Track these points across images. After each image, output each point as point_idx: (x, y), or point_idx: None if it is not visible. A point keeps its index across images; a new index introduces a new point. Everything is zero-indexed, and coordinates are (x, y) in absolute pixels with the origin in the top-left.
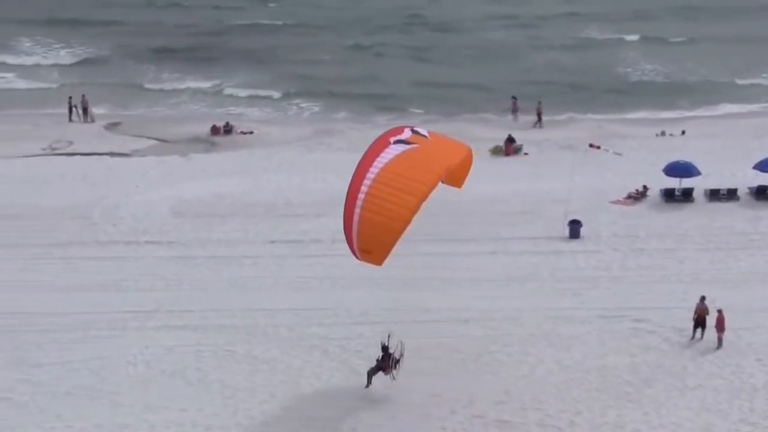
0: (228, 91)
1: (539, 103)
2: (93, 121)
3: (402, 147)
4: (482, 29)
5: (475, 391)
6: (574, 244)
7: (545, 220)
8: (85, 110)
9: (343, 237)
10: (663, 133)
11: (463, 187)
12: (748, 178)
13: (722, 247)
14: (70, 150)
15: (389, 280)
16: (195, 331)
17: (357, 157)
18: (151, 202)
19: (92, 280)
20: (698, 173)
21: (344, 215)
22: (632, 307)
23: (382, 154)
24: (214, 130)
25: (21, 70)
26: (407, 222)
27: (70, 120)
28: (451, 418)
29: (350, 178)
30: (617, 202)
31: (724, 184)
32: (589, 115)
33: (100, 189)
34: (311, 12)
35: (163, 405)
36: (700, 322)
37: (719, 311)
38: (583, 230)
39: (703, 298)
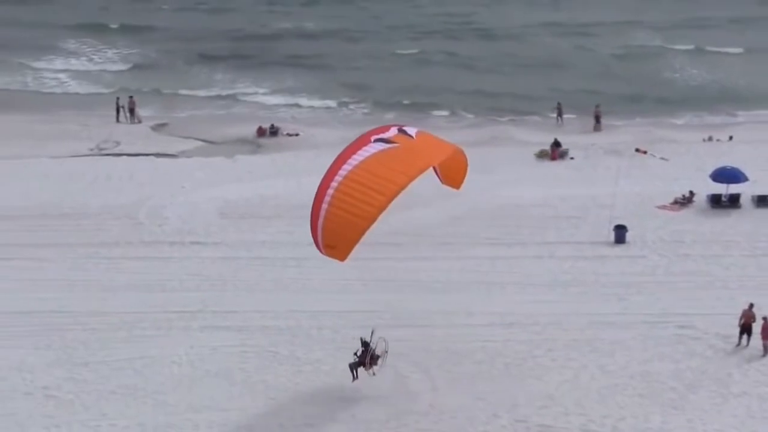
0: (274, 94)
1: (598, 107)
2: (140, 122)
3: (381, 146)
4: (530, 36)
5: (519, 395)
6: (619, 249)
7: (590, 225)
8: (132, 111)
9: (386, 240)
10: (710, 139)
11: (462, 187)
12: None
13: None
14: (117, 150)
15: (434, 283)
16: (239, 331)
17: None
18: (196, 202)
19: (138, 279)
20: (745, 179)
21: (312, 210)
22: (677, 313)
23: (359, 152)
24: (260, 132)
25: (73, 74)
26: (372, 220)
27: (118, 121)
28: (494, 422)
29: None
30: (663, 207)
31: None
32: (637, 120)
33: (147, 189)
34: (357, 17)
35: (206, 405)
36: (746, 328)
37: (765, 318)
38: (628, 235)
39: (751, 306)
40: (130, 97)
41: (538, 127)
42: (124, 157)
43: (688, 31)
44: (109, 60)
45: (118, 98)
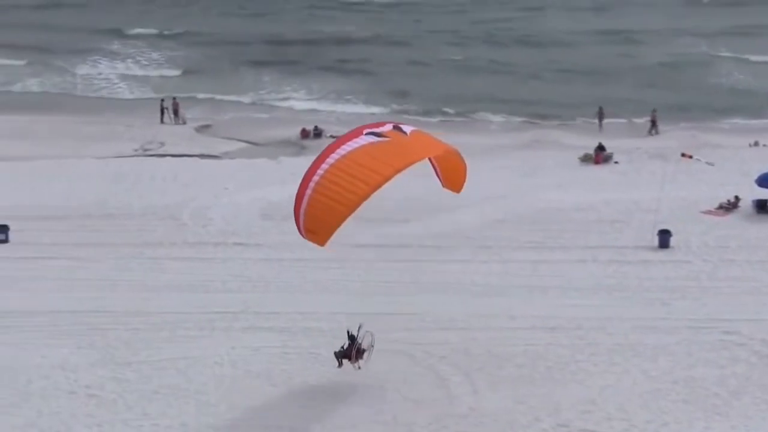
0: (317, 98)
1: (654, 111)
2: (184, 123)
3: (371, 138)
4: (574, 43)
5: (561, 399)
6: (663, 254)
7: (634, 229)
8: (176, 113)
9: (428, 242)
10: (756, 144)
11: (462, 191)
12: None
13: None
14: (161, 151)
15: (477, 286)
16: (281, 333)
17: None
18: (240, 204)
19: (181, 280)
20: None
21: (296, 195)
22: (722, 319)
23: (349, 143)
24: (304, 134)
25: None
26: (354, 207)
27: (162, 122)
28: (535, 426)
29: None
30: (708, 212)
31: None
32: (682, 125)
33: (190, 190)
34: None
35: (247, 405)
36: None
37: None
38: (672, 240)
39: None
40: (174, 98)
41: (582, 131)
42: (168, 158)
43: (733, 38)
44: (154, 62)
45: (162, 100)
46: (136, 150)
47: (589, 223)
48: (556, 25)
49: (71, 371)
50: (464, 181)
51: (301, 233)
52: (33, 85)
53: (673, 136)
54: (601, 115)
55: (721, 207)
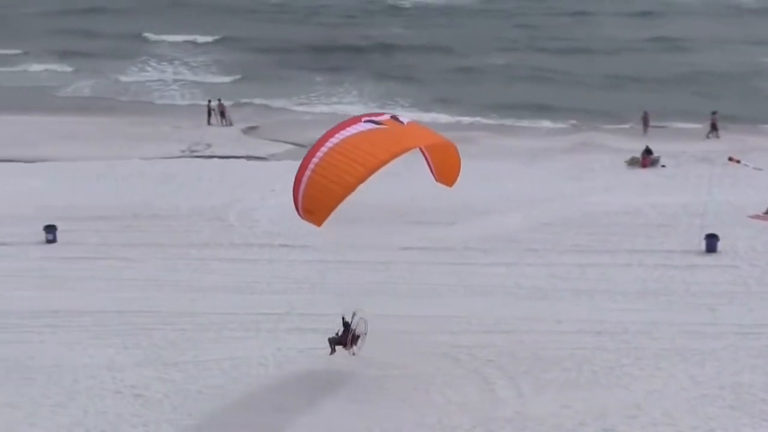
0: (364, 102)
1: (714, 114)
2: (231, 124)
3: (370, 125)
4: (622, 50)
5: (607, 404)
6: (710, 259)
7: (681, 234)
8: (222, 114)
9: (473, 245)
10: None
11: (455, 185)
12: None
13: None
14: (208, 153)
15: (522, 289)
16: (326, 334)
17: (492, 166)
18: (286, 205)
19: (227, 281)
20: None
21: (295, 178)
22: None
23: (348, 129)
24: None
25: (169, 83)
26: (351, 189)
27: (209, 123)
28: (581, 430)
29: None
30: (756, 216)
31: None
32: (730, 129)
33: (237, 192)
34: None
35: (292, 407)
36: None
37: None
38: (719, 244)
39: None
40: (219, 100)
41: (629, 136)
42: (215, 159)
43: None
44: (201, 67)
45: (209, 101)
46: (183, 151)
47: (636, 226)
48: (603, 31)
49: (117, 371)
50: (457, 175)
51: (299, 214)
52: (81, 88)
53: (720, 140)
54: (646, 120)
55: None
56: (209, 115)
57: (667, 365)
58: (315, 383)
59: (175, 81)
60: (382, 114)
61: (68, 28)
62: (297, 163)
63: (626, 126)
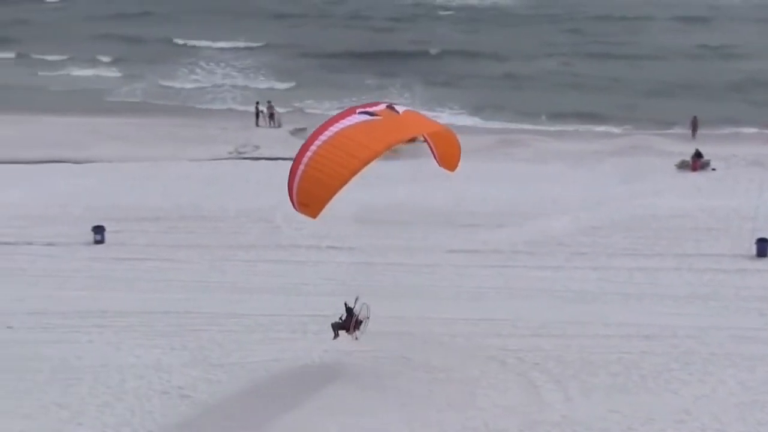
0: (416, 104)
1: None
2: (279, 126)
3: (364, 117)
4: (672, 57)
5: (655, 408)
6: (761, 263)
7: (731, 238)
8: (271, 116)
9: (521, 248)
10: None
11: (456, 170)
12: None
13: None
14: (255, 154)
15: (569, 292)
16: (373, 337)
17: (540, 168)
18: (333, 207)
19: (273, 282)
20: None
21: (290, 171)
22: None
23: (342, 121)
24: None
25: (220, 88)
26: (345, 181)
27: (257, 125)
28: None
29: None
30: None
31: None
32: None
33: (284, 193)
34: (493, 36)
35: (338, 409)
36: None
37: None
38: None
39: None
40: (269, 102)
41: (678, 140)
42: (263, 161)
43: None
44: (249, 69)
45: (257, 103)
46: (230, 153)
47: (686, 230)
48: (651, 37)
49: (164, 372)
50: (458, 161)
51: (294, 207)
52: (130, 92)
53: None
54: (695, 125)
55: None
56: (257, 116)
57: (716, 370)
58: (362, 386)
59: (223, 85)
60: (378, 104)
61: (116, 33)
62: None
63: (675, 131)
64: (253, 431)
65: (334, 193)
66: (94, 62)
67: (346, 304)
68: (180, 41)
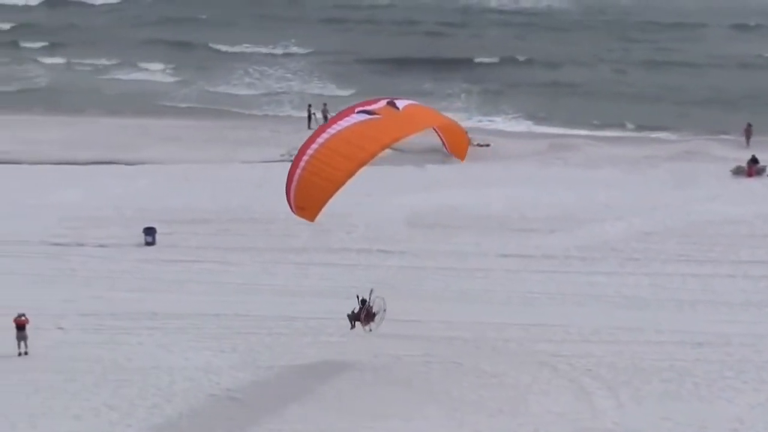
0: (469, 109)
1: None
2: None
3: (362, 117)
4: (730, 66)
5: (708, 416)
6: None
7: None
8: (325, 118)
9: (574, 253)
10: None
11: (465, 159)
12: None
13: None
14: None
15: (622, 298)
16: (423, 341)
17: (594, 174)
18: (384, 211)
19: (323, 285)
20: None
21: (287, 175)
22: None
23: (340, 122)
24: None
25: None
26: (340, 184)
27: (309, 127)
28: None
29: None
30: None
31: None
32: None
33: (335, 197)
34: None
35: (388, 413)
36: None
37: None
38: None
39: None
40: (324, 104)
41: (732, 145)
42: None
43: None
44: (301, 74)
45: (309, 105)
46: (282, 155)
47: (741, 237)
48: (706, 45)
49: (214, 374)
50: (467, 149)
51: (293, 210)
52: (183, 96)
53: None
54: (749, 132)
55: None
56: (309, 119)
57: None
58: (412, 390)
59: (277, 91)
60: (378, 101)
61: (166, 38)
62: (396, 168)
63: (729, 137)
64: None
65: (330, 197)
66: (145, 67)
67: (358, 297)
68: (228, 47)
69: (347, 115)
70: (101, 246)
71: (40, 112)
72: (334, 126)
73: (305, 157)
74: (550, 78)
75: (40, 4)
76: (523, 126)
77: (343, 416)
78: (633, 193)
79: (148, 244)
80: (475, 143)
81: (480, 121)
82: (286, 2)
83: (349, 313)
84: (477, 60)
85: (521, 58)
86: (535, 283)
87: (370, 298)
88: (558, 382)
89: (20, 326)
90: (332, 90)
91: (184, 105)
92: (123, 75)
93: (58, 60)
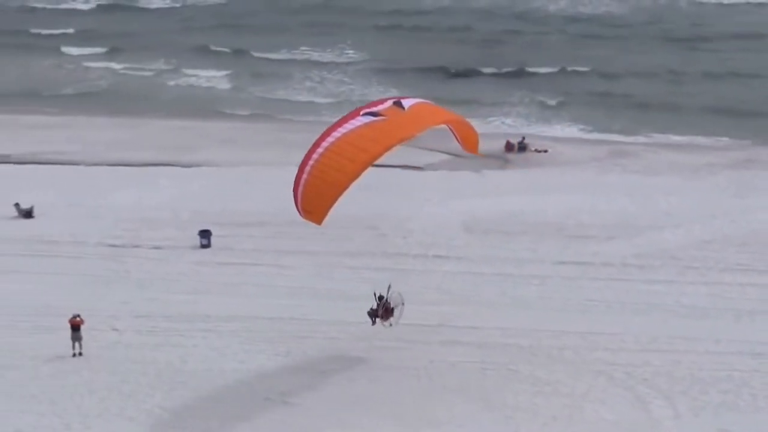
0: (525, 116)
1: None
2: None
3: (367, 119)
4: None
5: (765, 428)
6: None
7: None
8: None
9: (632, 261)
10: None
11: (479, 150)
12: None
13: None
14: None
15: (682, 307)
16: (479, 348)
17: (653, 181)
18: (441, 216)
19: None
20: None
21: (295, 179)
22: None
23: (346, 125)
24: (508, 147)
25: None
26: (344, 187)
27: None
28: None
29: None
30: None
31: None
32: None
33: (391, 201)
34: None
35: (443, 420)
36: None
37: None
38: None
39: None
40: None
41: None
42: (370, 167)
43: None
44: (357, 79)
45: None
46: None
47: None
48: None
49: (267, 377)
50: (477, 142)
51: (300, 214)
52: (241, 101)
53: None
54: None
55: None
56: None
57: None
58: (467, 398)
59: (331, 94)
60: (385, 101)
61: (221, 43)
62: (453, 173)
63: None
64: None
65: (335, 199)
66: (202, 72)
67: (376, 293)
68: (283, 53)
69: (353, 118)
70: (156, 248)
71: (98, 113)
72: (340, 129)
73: (311, 162)
74: (609, 88)
75: (96, 8)
76: (581, 133)
77: (397, 423)
78: (692, 201)
79: (203, 246)
80: (533, 149)
81: (537, 127)
82: (340, 10)
83: (369, 310)
84: (535, 70)
85: (580, 69)
86: (593, 290)
87: (387, 294)
88: (614, 391)
89: (75, 327)
90: (394, 95)
91: (241, 111)
92: (179, 80)
93: (115, 65)
